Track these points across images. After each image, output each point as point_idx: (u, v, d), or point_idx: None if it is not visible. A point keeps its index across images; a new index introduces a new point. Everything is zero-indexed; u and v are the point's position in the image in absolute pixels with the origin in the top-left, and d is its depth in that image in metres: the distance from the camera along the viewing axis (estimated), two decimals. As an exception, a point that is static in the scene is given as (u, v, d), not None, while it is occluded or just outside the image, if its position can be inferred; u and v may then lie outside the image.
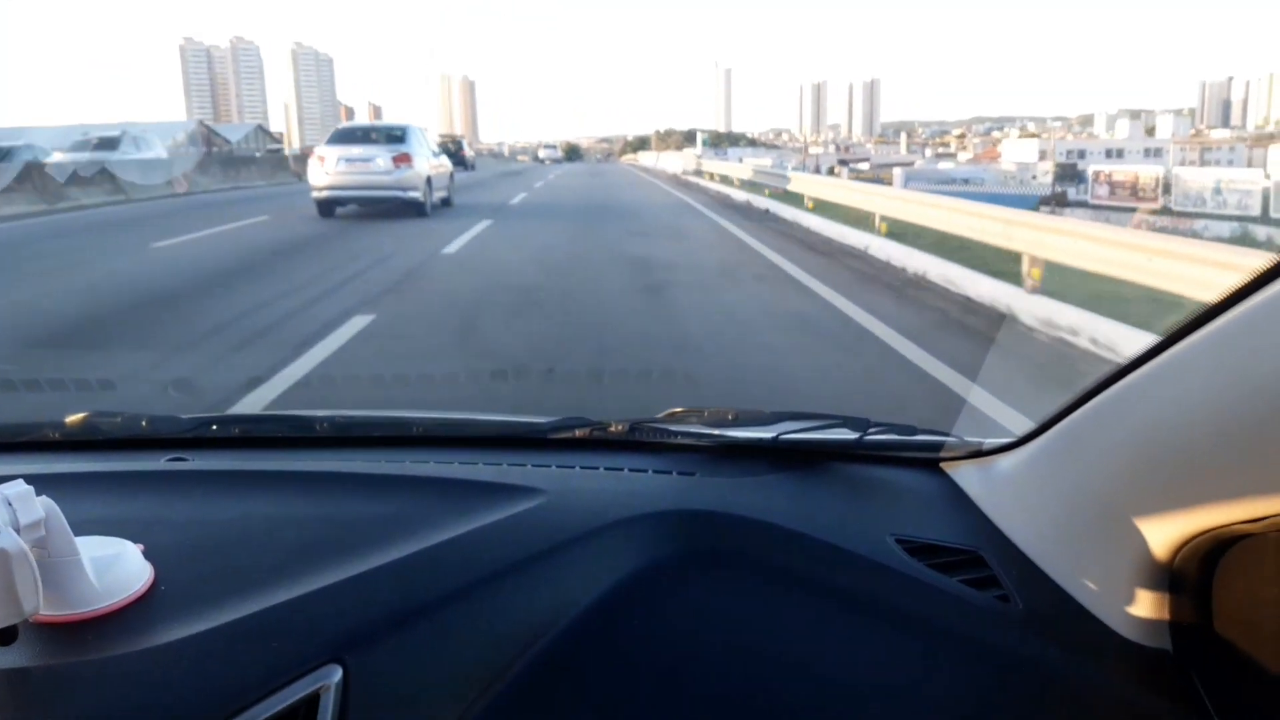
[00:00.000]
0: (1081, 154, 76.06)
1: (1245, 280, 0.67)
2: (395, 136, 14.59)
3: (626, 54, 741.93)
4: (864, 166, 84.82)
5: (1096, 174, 51.03)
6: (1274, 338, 0.64)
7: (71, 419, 1.34)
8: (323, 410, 1.46)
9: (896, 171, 64.96)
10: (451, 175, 17.54)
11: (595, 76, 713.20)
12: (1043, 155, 72.95)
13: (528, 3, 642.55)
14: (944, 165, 76.99)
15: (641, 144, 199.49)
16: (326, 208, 13.94)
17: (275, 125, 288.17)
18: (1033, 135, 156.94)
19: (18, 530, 0.73)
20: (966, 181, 61.99)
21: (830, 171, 76.04)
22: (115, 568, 0.84)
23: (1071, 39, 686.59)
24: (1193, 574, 0.78)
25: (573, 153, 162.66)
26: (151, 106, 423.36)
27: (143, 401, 4.19)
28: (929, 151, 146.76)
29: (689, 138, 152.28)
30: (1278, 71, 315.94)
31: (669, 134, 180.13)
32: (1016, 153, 76.40)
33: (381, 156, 13.74)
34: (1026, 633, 0.91)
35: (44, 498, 0.78)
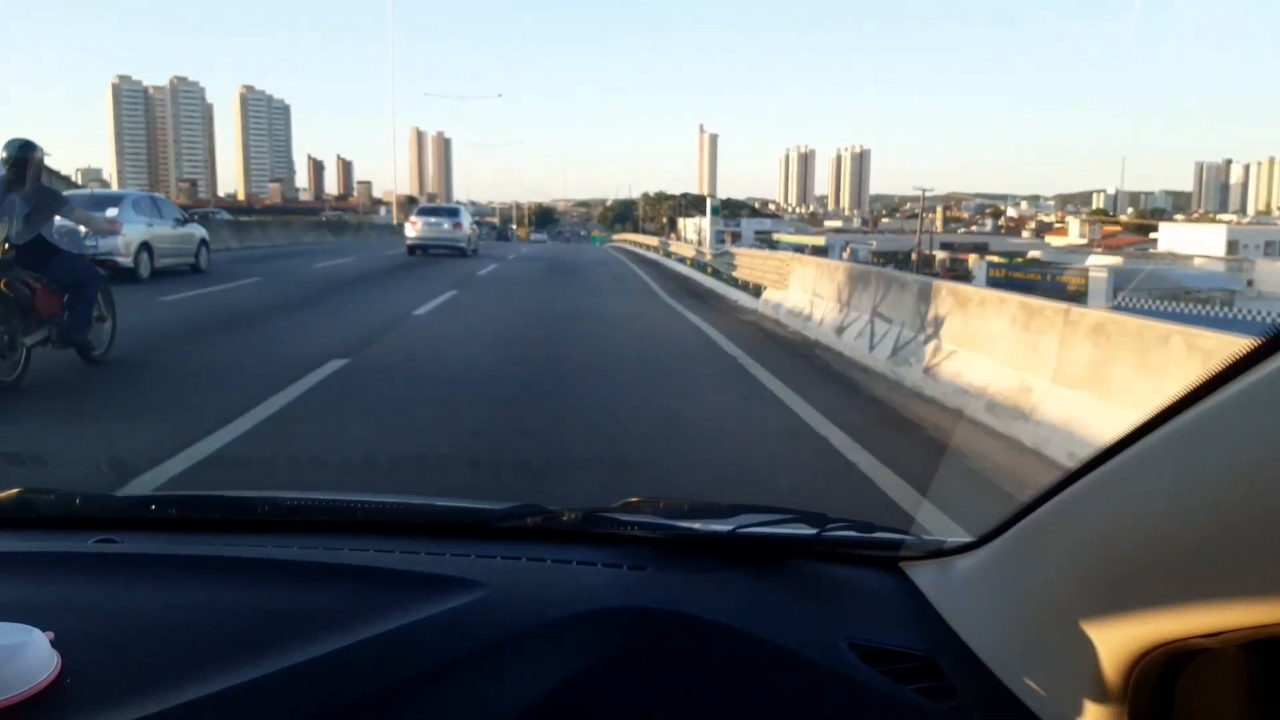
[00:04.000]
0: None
1: (1195, 384, 0.65)
2: (453, 211, 26.35)
3: (608, 116, 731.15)
4: (966, 257, 62.09)
5: None
6: (1219, 447, 0.62)
7: (2, 495, 1.32)
8: (266, 491, 1.45)
9: (1097, 277, 40.69)
10: (480, 236, 30.83)
11: (574, 137, 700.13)
12: (1234, 247, 51.48)
13: (507, 61, 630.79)
14: (1098, 260, 53.97)
15: (626, 210, 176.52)
16: (412, 251, 24.46)
17: (223, 175, 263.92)
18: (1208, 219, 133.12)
19: None
20: (1203, 295, 38.25)
21: (924, 266, 53.72)
22: (17, 658, 0.80)
23: (1053, 115, 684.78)
24: (1152, 688, 0.74)
25: (544, 218, 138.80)
26: (75, 150, 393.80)
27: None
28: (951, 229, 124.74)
29: (695, 204, 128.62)
30: (1278, 155, 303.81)
31: (660, 199, 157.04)
32: (1178, 240, 54.34)
33: (446, 223, 24.95)
34: None
35: None
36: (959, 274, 52.98)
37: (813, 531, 1.19)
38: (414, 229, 24.71)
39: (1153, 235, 64.16)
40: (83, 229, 7.83)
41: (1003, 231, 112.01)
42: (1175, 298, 34.28)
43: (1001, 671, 0.89)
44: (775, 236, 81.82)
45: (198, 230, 17.16)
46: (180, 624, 0.96)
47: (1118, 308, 35.72)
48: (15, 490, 1.34)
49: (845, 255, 64.69)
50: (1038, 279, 38.75)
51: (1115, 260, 45.77)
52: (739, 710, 0.90)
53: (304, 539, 1.27)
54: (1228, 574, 0.61)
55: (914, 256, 59.03)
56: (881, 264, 63.71)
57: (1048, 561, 0.84)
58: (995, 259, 48.86)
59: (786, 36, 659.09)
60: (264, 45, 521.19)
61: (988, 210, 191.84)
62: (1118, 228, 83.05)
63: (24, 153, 6.64)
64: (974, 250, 55.25)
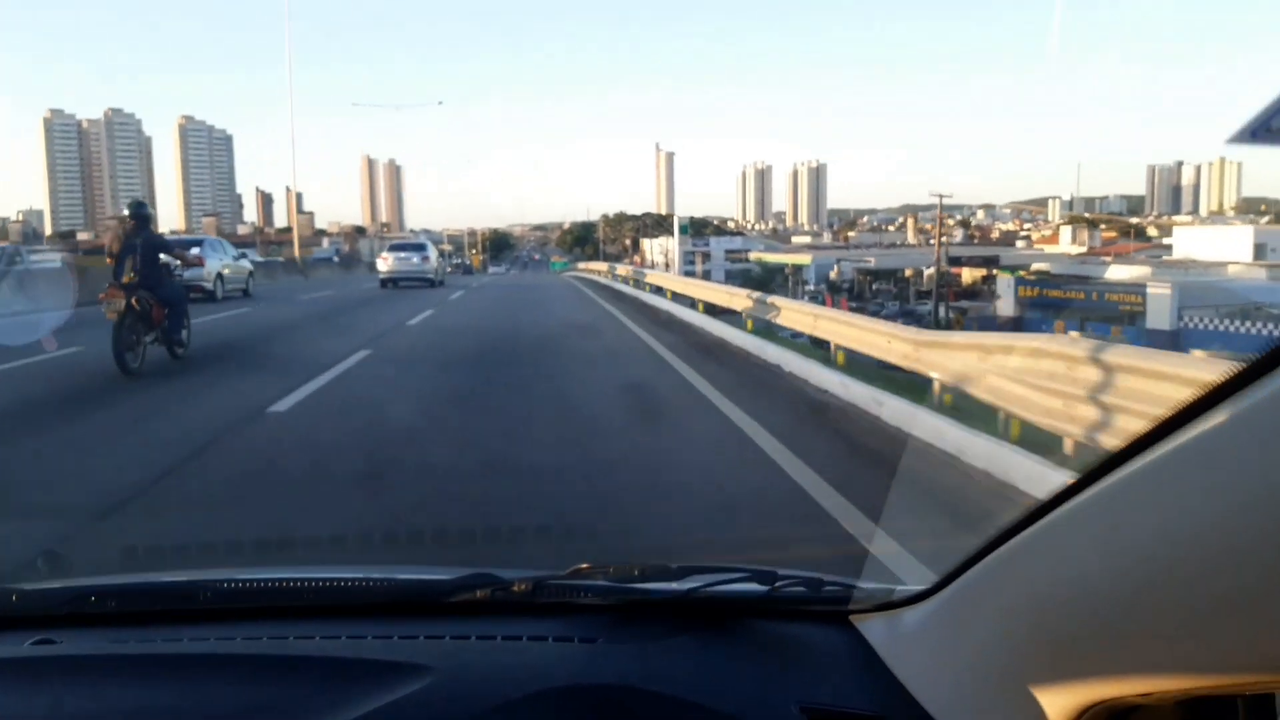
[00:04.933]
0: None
1: (1136, 437, 0.64)
2: (420, 247, 28.85)
3: (561, 139, 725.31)
4: (958, 271, 53.94)
5: None
6: (1148, 506, 0.61)
7: None
8: (209, 572, 1.46)
9: (1158, 294, 33.33)
10: (447, 269, 36.13)
11: (527, 161, 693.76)
12: (1261, 250, 46.77)
13: (457, 86, 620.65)
14: (1124, 272, 49.02)
15: (586, 232, 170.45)
16: (385, 284, 26.29)
17: (164, 210, 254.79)
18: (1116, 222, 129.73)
19: None
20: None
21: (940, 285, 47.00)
22: None
23: (1001, 124, 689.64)
24: None
25: (499, 244, 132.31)
26: (8, 190, 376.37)
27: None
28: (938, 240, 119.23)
29: (658, 224, 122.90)
30: (1228, 154, 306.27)
31: (621, 219, 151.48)
32: (1193, 245, 49.48)
33: (415, 257, 27.07)
34: None
35: None
36: (963, 293, 47.62)
37: (763, 589, 1.19)
38: (385, 264, 27.22)
39: (1167, 240, 59.48)
40: (176, 263, 10.11)
41: (975, 241, 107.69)
42: (1247, 317, 29.02)
43: None
44: (751, 255, 76.13)
45: (247, 264, 23.09)
46: None
47: (1185, 330, 30.53)
48: None
49: (833, 274, 59.52)
50: (1079, 297, 33.34)
51: (1142, 270, 40.66)
52: None
53: (248, 627, 1.24)
54: (1156, 635, 0.61)
55: (906, 273, 53.54)
56: (870, 282, 57.93)
57: (991, 617, 0.83)
58: (1001, 274, 43.58)
59: (736, 52, 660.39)
60: (206, 76, 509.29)
61: (954, 220, 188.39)
62: (1114, 233, 78.75)
63: (140, 210, 9.62)
64: (984, 264, 49.85)
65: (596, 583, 1.25)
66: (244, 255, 23.84)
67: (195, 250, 16.07)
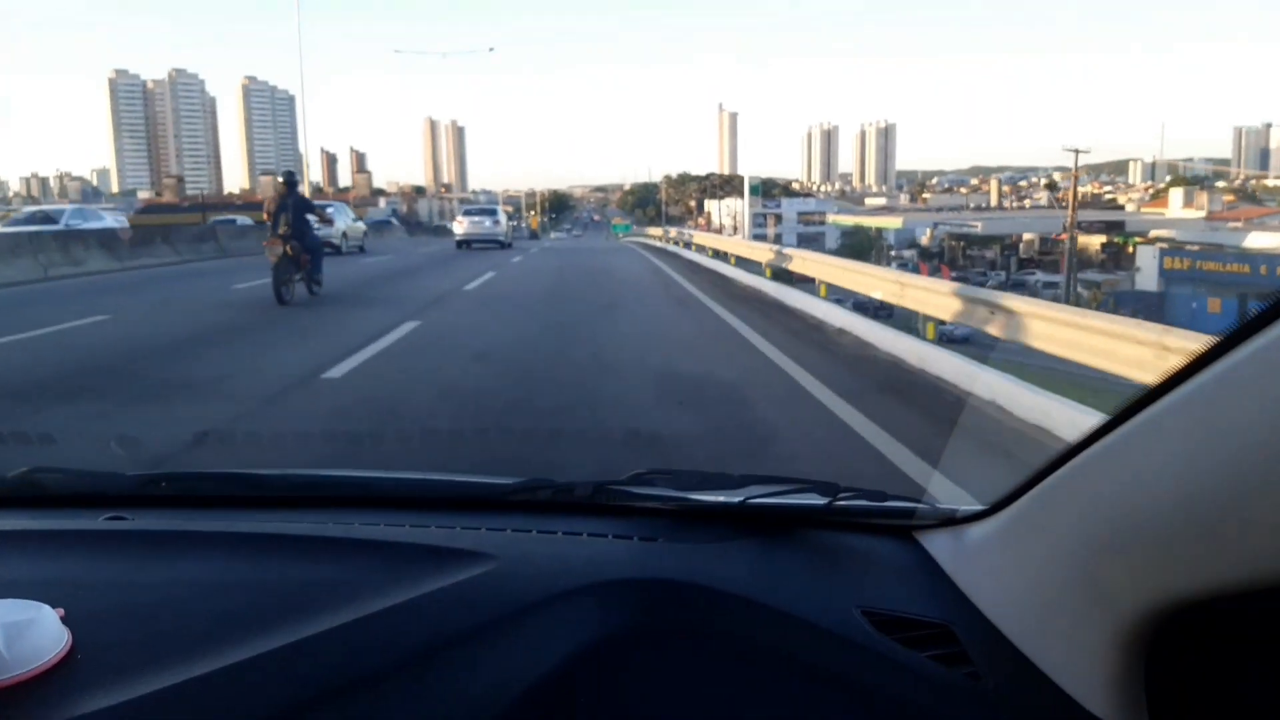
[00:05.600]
0: None
1: (1213, 343, 0.65)
2: (491, 211, 30.40)
3: (623, 97, 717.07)
4: (1061, 237, 48.25)
5: None
6: (1238, 409, 0.61)
7: (12, 474, 1.34)
8: (277, 469, 1.47)
9: None
10: (515, 229, 39.02)
11: (589, 120, 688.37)
12: None
13: (520, 45, 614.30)
14: (1266, 240, 43.36)
15: (647, 194, 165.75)
16: (460, 245, 27.89)
17: (228, 169, 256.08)
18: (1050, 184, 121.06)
19: None
20: None
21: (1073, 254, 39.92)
22: (27, 634, 0.79)
23: (1077, 81, 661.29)
24: (1167, 648, 0.75)
25: (559, 205, 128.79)
26: (77, 148, 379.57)
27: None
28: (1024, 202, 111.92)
29: (723, 185, 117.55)
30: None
31: (684, 180, 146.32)
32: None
33: (487, 220, 28.90)
34: (997, 712, 0.87)
35: None
36: (1085, 262, 42.39)
37: (824, 501, 1.18)
38: (460, 227, 28.99)
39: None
40: (315, 220, 12.34)
41: (1061, 205, 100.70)
42: None
43: (1016, 636, 0.89)
44: (828, 218, 70.91)
45: (362, 225, 28.37)
46: (190, 599, 0.96)
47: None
48: (24, 469, 1.34)
49: (925, 240, 54.66)
50: (1242, 271, 28.08)
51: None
52: (752, 678, 0.90)
53: (314, 515, 1.27)
54: (1244, 532, 0.60)
55: (1011, 239, 48.47)
56: (964, 248, 52.62)
57: (1062, 526, 0.83)
58: (1119, 240, 38.22)
59: (800, 10, 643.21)
60: (270, 36, 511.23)
61: (1040, 181, 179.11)
62: (1232, 196, 72.04)
63: (290, 177, 12.03)
64: (1105, 230, 44.53)
65: (656, 489, 1.24)
66: (359, 218, 29.13)
67: (330, 209, 20.72)
